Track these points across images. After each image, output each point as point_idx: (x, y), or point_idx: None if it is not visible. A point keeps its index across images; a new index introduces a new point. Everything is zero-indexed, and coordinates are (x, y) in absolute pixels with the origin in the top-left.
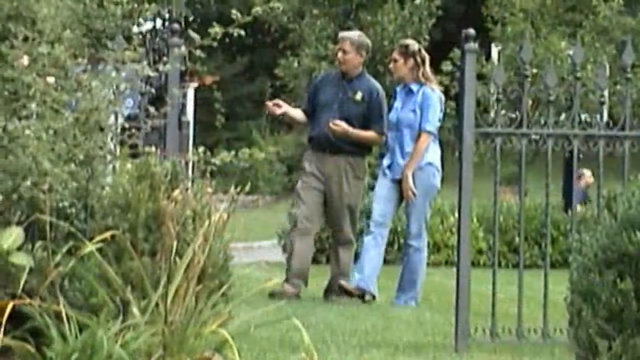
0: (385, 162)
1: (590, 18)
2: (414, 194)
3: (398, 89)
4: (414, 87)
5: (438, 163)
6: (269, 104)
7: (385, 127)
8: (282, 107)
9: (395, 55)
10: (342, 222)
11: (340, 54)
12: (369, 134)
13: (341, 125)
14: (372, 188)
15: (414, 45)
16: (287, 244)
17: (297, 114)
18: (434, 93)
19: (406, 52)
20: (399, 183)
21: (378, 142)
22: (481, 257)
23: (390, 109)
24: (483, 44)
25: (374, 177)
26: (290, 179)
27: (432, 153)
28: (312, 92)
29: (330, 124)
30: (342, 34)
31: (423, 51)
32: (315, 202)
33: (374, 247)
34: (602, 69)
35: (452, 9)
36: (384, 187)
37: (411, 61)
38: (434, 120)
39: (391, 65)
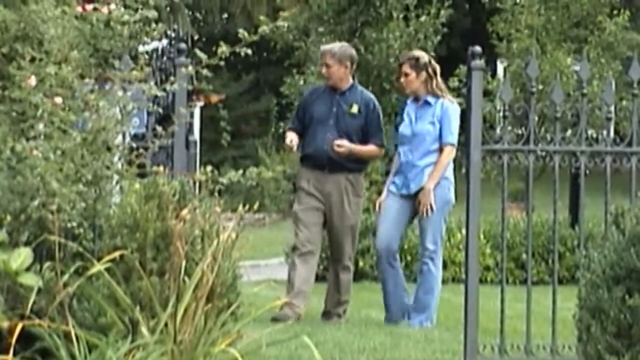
0: (397, 178)
1: (596, 34)
2: (432, 209)
3: (409, 102)
4: (431, 99)
5: (452, 177)
6: (289, 142)
7: (384, 140)
8: (294, 142)
9: (406, 69)
10: (344, 243)
11: (324, 69)
12: (371, 148)
13: (344, 145)
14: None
15: (424, 57)
16: (289, 266)
17: (297, 137)
18: (453, 105)
19: (417, 65)
20: (411, 199)
21: (379, 156)
22: (489, 273)
23: (397, 124)
24: (489, 61)
25: (380, 194)
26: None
27: (449, 168)
28: (302, 108)
29: (335, 147)
30: (323, 47)
31: (433, 62)
32: (315, 224)
33: (390, 276)
34: (609, 84)
35: (457, 25)
36: (390, 208)
37: (423, 74)
38: (455, 132)
39: (402, 80)
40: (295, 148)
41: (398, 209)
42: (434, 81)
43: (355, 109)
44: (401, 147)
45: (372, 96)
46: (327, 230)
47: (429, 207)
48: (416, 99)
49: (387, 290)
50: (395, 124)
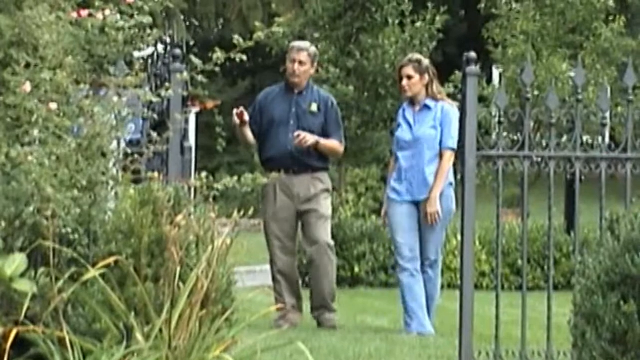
0: (399, 185)
1: (591, 40)
2: (437, 217)
3: (405, 106)
4: (430, 103)
5: (453, 182)
6: (237, 110)
7: (343, 137)
8: (245, 120)
9: (409, 71)
10: (320, 233)
11: (296, 66)
12: (336, 143)
13: (307, 136)
14: (375, 211)
15: (425, 59)
16: (272, 279)
17: (249, 133)
18: (453, 108)
19: (420, 68)
20: (416, 206)
21: (341, 154)
22: (484, 279)
23: (393, 129)
24: (484, 67)
25: (375, 200)
26: None
27: (450, 173)
28: (258, 111)
29: (300, 141)
30: (298, 44)
31: (432, 66)
32: (289, 231)
33: (415, 284)
34: (604, 91)
35: (452, 31)
36: (401, 215)
37: (426, 77)
38: (456, 136)
39: (404, 83)
40: (238, 121)
41: (408, 216)
42: (434, 84)
43: (314, 107)
44: (400, 153)
45: (329, 94)
46: (302, 227)
47: (436, 216)
48: (412, 103)
49: (416, 299)
50: (390, 129)
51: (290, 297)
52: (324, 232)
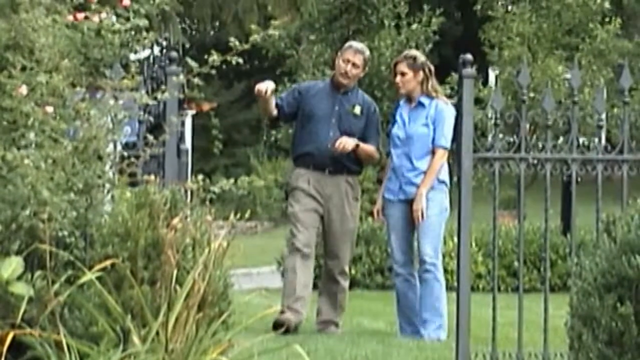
0: (392, 183)
1: (587, 41)
2: (422, 215)
3: (402, 103)
4: (425, 100)
5: (448, 182)
6: (261, 86)
7: (380, 144)
8: (269, 92)
9: (403, 68)
10: (344, 248)
11: (349, 67)
12: (372, 148)
13: (348, 142)
14: (371, 214)
15: (421, 56)
16: (285, 269)
17: (273, 104)
18: (448, 107)
19: (414, 65)
20: (409, 204)
21: (375, 160)
22: (480, 281)
23: (387, 126)
24: (480, 69)
25: (372, 202)
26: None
27: (444, 171)
28: (299, 96)
29: (341, 144)
30: (355, 45)
31: (429, 62)
32: (314, 227)
33: (408, 290)
34: (600, 92)
35: (448, 33)
36: (395, 217)
37: (421, 74)
38: (449, 135)
39: (397, 79)
40: (263, 92)
41: (402, 217)
42: (430, 82)
43: (357, 110)
44: (394, 150)
45: (372, 100)
46: (324, 235)
47: (419, 213)
48: (409, 100)
49: (409, 305)
50: (387, 131)
51: (301, 290)
52: (345, 250)
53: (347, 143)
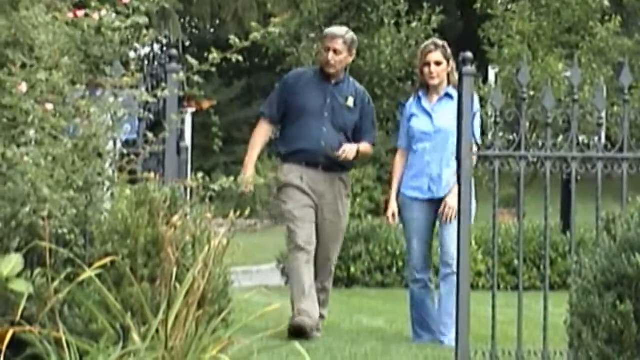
0: (414, 181)
1: (587, 40)
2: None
3: (421, 94)
4: (453, 92)
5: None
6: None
7: (376, 137)
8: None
9: (439, 57)
10: (332, 250)
11: (330, 55)
12: (368, 146)
13: (351, 150)
14: (371, 212)
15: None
16: (288, 270)
17: (258, 151)
18: (476, 98)
19: (447, 54)
20: (435, 204)
21: (370, 155)
22: (480, 279)
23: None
24: (480, 67)
25: (371, 200)
26: None
27: None
28: (287, 95)
29: (345, 154)
30: (331, 30)
31: None
32: (312, 222)
33: (427, 297)
34: (600, 90)
35: (448, 31)
36: (418, 221)
37: (451, 63)
38: (477, 129)
39: (432, 69)
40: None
41: (426, 219)
42: (455, 72)
43: (351, 102)
44: (418, 145)
45: (364, 89)
46: (317, 234)
47: (454, 211)
48: (428, 92)
49: (428, 312)
50: (387, 129)
51: (310, 288)
52: (335, 250)
53: (350, 152)
